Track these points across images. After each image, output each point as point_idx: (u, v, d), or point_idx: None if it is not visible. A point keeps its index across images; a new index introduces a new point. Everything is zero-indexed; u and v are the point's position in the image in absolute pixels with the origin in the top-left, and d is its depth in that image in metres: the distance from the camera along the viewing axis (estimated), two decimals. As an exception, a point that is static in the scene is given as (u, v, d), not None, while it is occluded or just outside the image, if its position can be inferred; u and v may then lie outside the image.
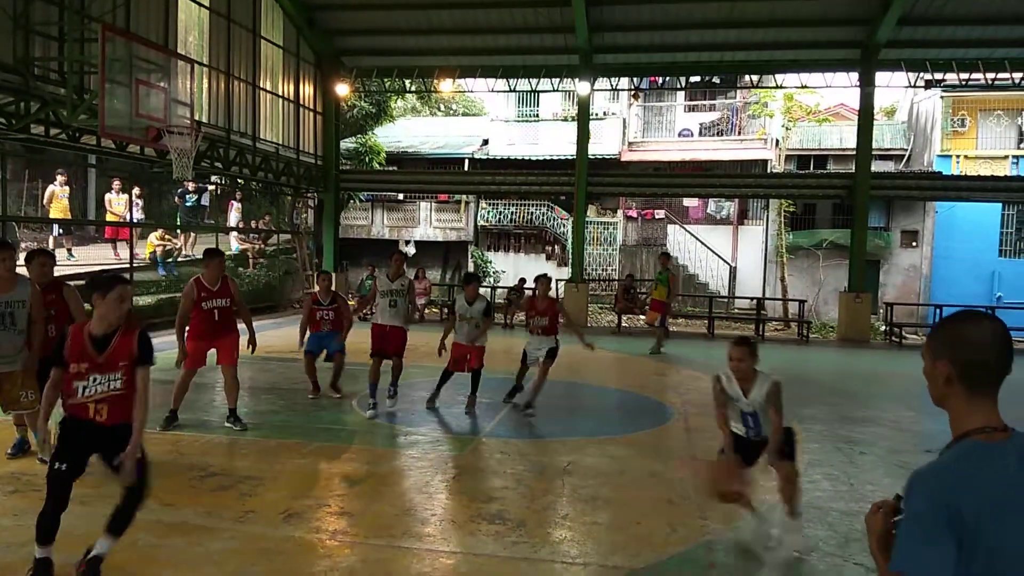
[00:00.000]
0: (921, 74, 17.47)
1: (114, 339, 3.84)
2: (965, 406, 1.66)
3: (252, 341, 7.52)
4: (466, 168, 26.39)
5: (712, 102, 26.81)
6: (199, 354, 7.32)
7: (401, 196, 26.79)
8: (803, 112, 24.08)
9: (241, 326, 7.47)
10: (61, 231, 17.10)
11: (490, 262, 26.13)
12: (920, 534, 1.53)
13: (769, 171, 24.16)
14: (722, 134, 26.03)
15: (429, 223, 26.93)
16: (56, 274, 6.08)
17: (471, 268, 26.38)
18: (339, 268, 19.61)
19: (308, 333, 8.81)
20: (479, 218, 26.66)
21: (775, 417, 4.67)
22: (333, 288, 9.21)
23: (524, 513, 5.14)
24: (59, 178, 16.17)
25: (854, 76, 17.21)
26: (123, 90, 9.93)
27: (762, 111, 24.25)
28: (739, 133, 25.82)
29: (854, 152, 17.76)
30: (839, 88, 18.69)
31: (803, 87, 19.54)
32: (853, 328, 17.01)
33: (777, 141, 24.80)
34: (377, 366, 8.03)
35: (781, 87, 19.96)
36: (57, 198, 15.95)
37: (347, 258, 22.22)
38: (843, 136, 25.12)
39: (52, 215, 16.35)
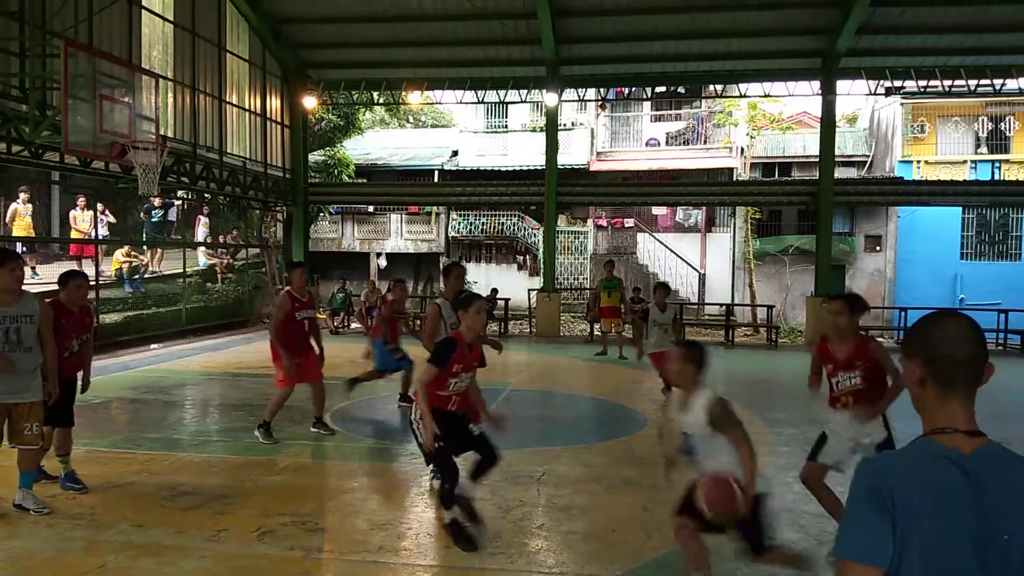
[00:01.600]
0: (881, 82, 17.87)
1: (474, 345, 4.94)
2: (935, 406, 1.64)
3: (320, 358, 7.54)
4: (436, 179, 26.41)
5: (678, 112, 27.14)
6: (297, 371, 7.28)
7: (371, 208, 26.71)
8: (767, 121, 24.48)
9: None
10: (24, 249, 16.76)
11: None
12: (855, 517, 1.56)
13: (735, 179, 24.52)
14: (688, 143, 26.35)
15: (400, 235, 26.88)
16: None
17: (443, 279, 26.34)
18: (310, 282, 19.44)
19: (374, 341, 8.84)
20: (450, 229, 26.67)
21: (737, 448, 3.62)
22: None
23: (499, 524, 5.15)
24: (22, 195, 15.87)
25: (816, 85, 17.54)
26: (87, 106, 9.80)
27: (727, 120, 24.60)
28: (705, 142, 26.15)
29: (817, 159, 18.08)
30: (802, 97, 19.06)
31: (766, 96, 19.89)
32: (821, 332, 17.20)
33: (742, 149, 25.17)
34: None
35: (745, 96, 20.29)
36: (20, 216, 15.65)
37: (317, 271, 22.07)
38: (806, 143, 25.54)
39: (15, 233, 16.02)
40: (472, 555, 4.62)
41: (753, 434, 8.08)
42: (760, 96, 20.19)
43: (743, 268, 24.42)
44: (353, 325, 18.45)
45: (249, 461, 6.68)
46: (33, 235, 16.76)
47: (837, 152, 19.22)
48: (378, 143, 30.18)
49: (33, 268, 16.41)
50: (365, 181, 25.73)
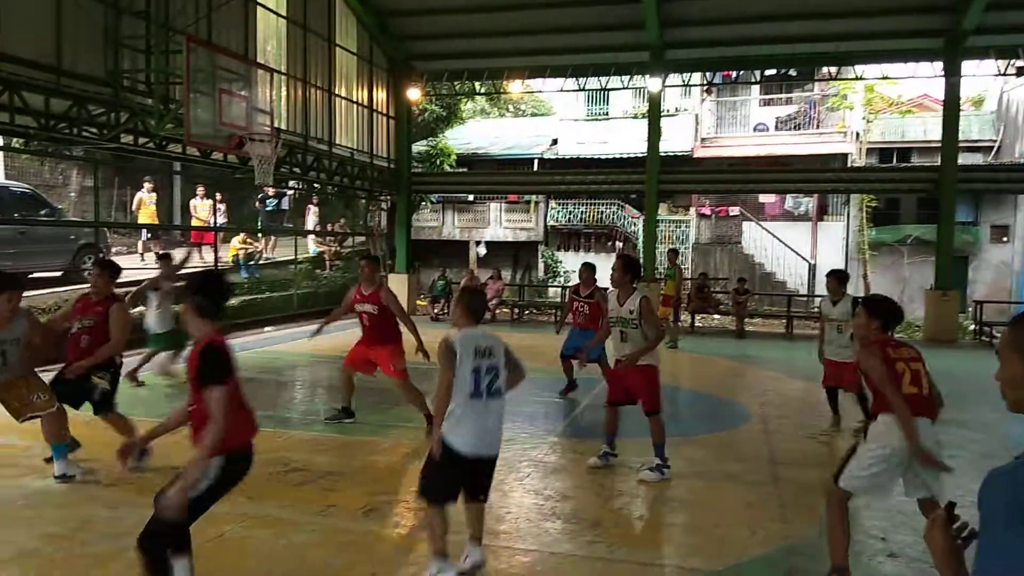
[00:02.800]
0: (1012, 61, 16.61)
1: None
2: None
3: (420, 348, 7.01)
4: (535, 168, 26.42)
5: (788, 95, 26.13)
6: (355, 356, 7.52)
7: (471, 197, 27.02)
8: (885, 104, 23.25)
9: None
10: (149, 236, 17.90)
11: (560, 262, 26.11)
12: (998, 535, 1.41)
13: (849, 165, 23.43)
14: (799, 128, 25.34)
15: (499, 224, 27.06)
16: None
17: (541, 268, 26.39)
18: (411, 269, 19.91)
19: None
20: (549, 218, 26.65)
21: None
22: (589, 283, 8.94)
23: (599, 513, 5.13)
24: (146, 185, 16.95)
25: (938, 66, 16.49)
26: (207, 99, 10.30)
27: (841, 103, 23.52)
28: (817, 126, 25.10)
29: (939, 144, 17.03)
30: (923, 78, 17.97)
31: (884, 78, 18.84)
32: (940, 327, 16.31)
33: (857, 134, 24.01)
34: (612, 416, 6.26)
35: (861, 79, 19.29)
36: (145, 204, 16.73)
37: (418, 259, 22.52)
38: (927, 128, 24.09)
39: (140, 220, 17.15)
40: (571, 542, 4.62)
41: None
42: (877, 78, 19.14)
43: (857, 259, 23.35)
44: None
45: (356, 441, 6.91)
46: (157, 222, 17.86)
47: (961, 137, 18.01)
48: (479, 133, 30.46)
49: (157, 254, 17.49)
50: (466, 170, 26.03)
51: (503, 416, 4.05)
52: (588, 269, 9.11)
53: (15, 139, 12.67)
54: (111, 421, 5.82)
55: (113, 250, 17.16)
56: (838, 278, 8.00)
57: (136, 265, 16.56)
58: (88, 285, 6.01)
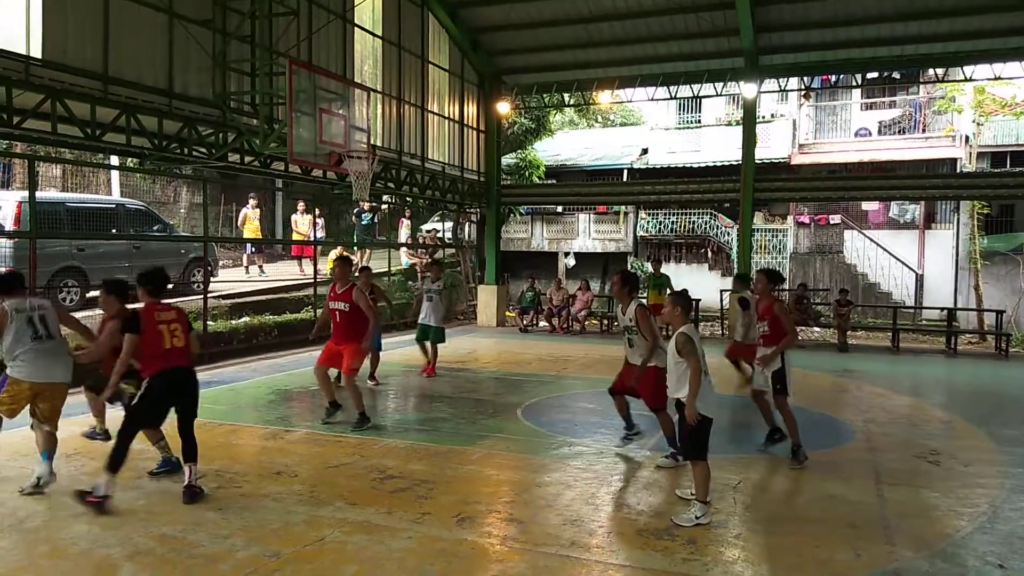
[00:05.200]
0: None
1: None
2: None
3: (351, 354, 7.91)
4: (625, 178, 26.23)
5: (892, 99, 25.06)
6: (327, 354, 7.97)
7: (560, 208, 27.03)
8: (997, 105, 21.97)
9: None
10: (253, 250, 18.72)
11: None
12: None
13: (959, 170, 22.24)
14: (904, 132, 24.25)
15: (588, 234, 26.97)
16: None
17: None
18: (500, 280, 20.07)
19: None
20: (638, 228, 26.39)
21: None
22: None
23: (694, 530, 5.01)
24: (251, 201, 17.75)
25: (1060, 62, 15.46)
26: (308, 119, 10.71)
27: (949, 106, 22.38)
28: (923, 130, 23.95)
29: (1061, 146, 15.97)
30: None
31: (997, 79, 17.80)
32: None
33: (967, 137, 22.79)
34: (618, 402, 6.99)
35: (970, 80, 18.28)
36: (249, 220, 17.52)
37: (508, 270, 22.69)
38: (1046, 129, 22.63)
39: (245, 235, 17.97)
40: (665, 559, 4.54)
41: (981, 451, 7.38)
42: (988, 79, 18.10)
43: (968, 268, 22.11)
44: (541, 324, 18.75)
45: (448, 450, 7.01)
46: (261, 237, 18.67)
47: (1086, 137, 16.85)
48: (567, 144, 30.49)
49: (261, 267, 18.28)
50: (554, 182, 26.07)
51: None
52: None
53: (130, 159, 13.51)
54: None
55: (220, 263, 18.01)
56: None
57: (241, 278, 17.34)
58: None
